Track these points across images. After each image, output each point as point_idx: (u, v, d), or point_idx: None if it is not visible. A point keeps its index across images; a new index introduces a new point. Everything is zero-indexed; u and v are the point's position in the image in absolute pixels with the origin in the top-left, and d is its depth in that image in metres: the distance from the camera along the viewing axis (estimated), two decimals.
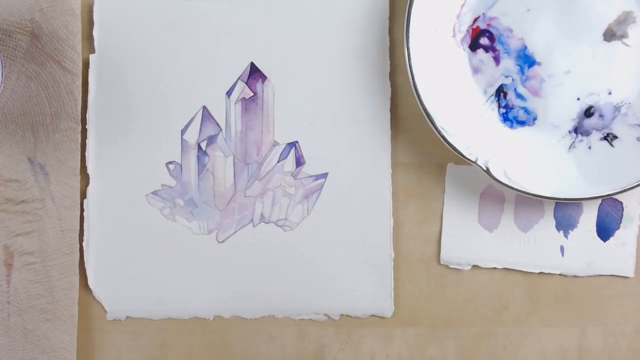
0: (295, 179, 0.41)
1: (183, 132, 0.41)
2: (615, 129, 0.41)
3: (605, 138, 0.41)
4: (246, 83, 0.41)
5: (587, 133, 0.41)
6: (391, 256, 0.41)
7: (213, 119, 0.41)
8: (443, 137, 0.39)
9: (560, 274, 0.42)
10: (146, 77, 0.41)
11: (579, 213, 0.42)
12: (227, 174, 0.41)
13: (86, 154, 0.41)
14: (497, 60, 0.41)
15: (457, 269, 0.42)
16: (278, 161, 0.41)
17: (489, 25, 0.40)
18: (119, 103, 0.41)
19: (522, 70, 0.41)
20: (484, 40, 0.41)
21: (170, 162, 0.41)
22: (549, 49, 0.40)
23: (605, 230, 0.41)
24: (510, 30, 0.40)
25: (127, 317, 0.41)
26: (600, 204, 0.42)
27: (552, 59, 0.40)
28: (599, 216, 0.42)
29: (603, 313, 0.42)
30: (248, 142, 0.41)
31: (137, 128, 0.41)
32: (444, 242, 0.42)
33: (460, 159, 0.40)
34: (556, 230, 0.42)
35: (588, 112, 0.41)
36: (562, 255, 0.42)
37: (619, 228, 0.41)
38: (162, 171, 0.41)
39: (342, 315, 0.42)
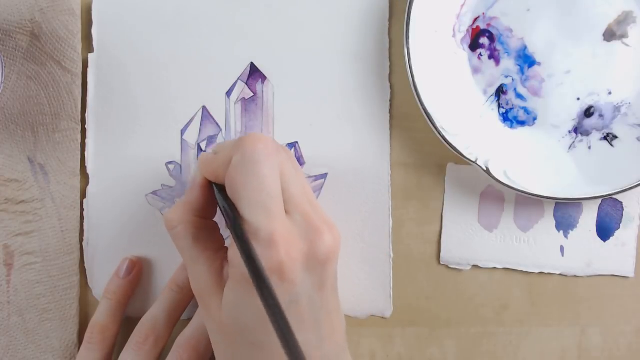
0: None
1: (183, 132, 0.41)
2: (615, 129, 0.41)
3: (605, 138, 0.41)
4: (246, 83, 0.41)
5: (587, 133, 0.41)
6: (390, 256, 0.41)
7: (213, 119, 0.41)
8: (443, 137, 0.39)
9: (560, 274, 0.42)
10: (146, 76, 0.41)
11: (579, 213, 0.42)
12: None
13: (86, 154, 0.41)
14: (497, 60, 0.41)
15: (457, 269, 0.42)
16: None
17: (489, 25, 0.40)
18: (119, 103, 0.41)
19: (522, 70, 0.40)
20: (484, 40, 0.41)
21: (170, 162, 0.41)
22: (549, 49, 0.40)
23: (605, 230, 0.41)
24: (510, 30, 0.40)
25: (127, 317, 0.41)
26: (600, 204, 0.42)
27: (552, 59, 0.40)
28: (599, 216, 0.42)
29: (603, 313, 0.42)
30: None
31: (136, 128, 0.41)
32: (444, 242, 0.42)
33: (460, 159, 0.40)
34: (556, 230, 0.42)
35: (588, 112, 0.41)
36: (562, 255, 0.42)
37: (619, 228, 0.41)
38: (162, 171, 0.41)
39: None
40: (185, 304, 0.39)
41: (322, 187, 0.41)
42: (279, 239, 0.30)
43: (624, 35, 0.40)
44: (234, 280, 0.32)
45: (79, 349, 0.41)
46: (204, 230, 0.34)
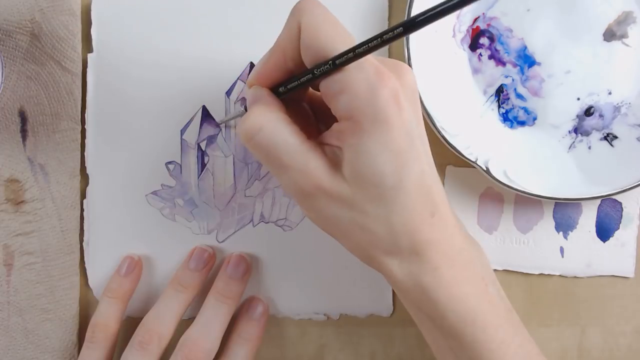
0: None
1: (183, 132, 0.41)
2: (615, 129, 0.40)
3: (605, 138, 0.41)
4: (246, 83, 0.41)
5: (587, 133, 0.41)
6: None
7: (212, 119, 0.41)
8: (443, 137, 0.39)
9: (560, 275, 0.42)
10: (145, 76, 0.41)
11: (579, 214, 0.42)
12: (227, 174, 0.41)
13: (86, 154, 0.41)
14: (497, 60, 0.41)
15: None
16: None
17: (489, 25, 0.40)
18: (118, 103, 0.41)
19: (522, 70, 0.40)
20: (484, 40, 0.41)
21: (170, 162, 0.41)
22: (549, 49, 0.40)
23: (604, 231, 0.41)
24: (510, 30, 0.40)
25: (127, 316, 0.41)
26: (600, 204, 0.41)
27: (552, 59, 0.40)
28: (598, 216, 0.42)
29: (603, 313, 0.42)
30: None
31: (136, 128, 0.41)
32: None
33: (459, 160, 0.40)
34: (556, 231, 0.42)
35: (588, 112, 0.41)
36: (562, 256, 0.42)
37: (618, 228, 0.41)
38: (162, 171, 0.41)
39: (341, 315, 0.42)
40: (187, 303, 0.39)
41: None
42: (382, 69, 0.29)
43: (624, 35, 0.40)
44: (360, 122, 0.29)
45: (79, 349, 0.41)
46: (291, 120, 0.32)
